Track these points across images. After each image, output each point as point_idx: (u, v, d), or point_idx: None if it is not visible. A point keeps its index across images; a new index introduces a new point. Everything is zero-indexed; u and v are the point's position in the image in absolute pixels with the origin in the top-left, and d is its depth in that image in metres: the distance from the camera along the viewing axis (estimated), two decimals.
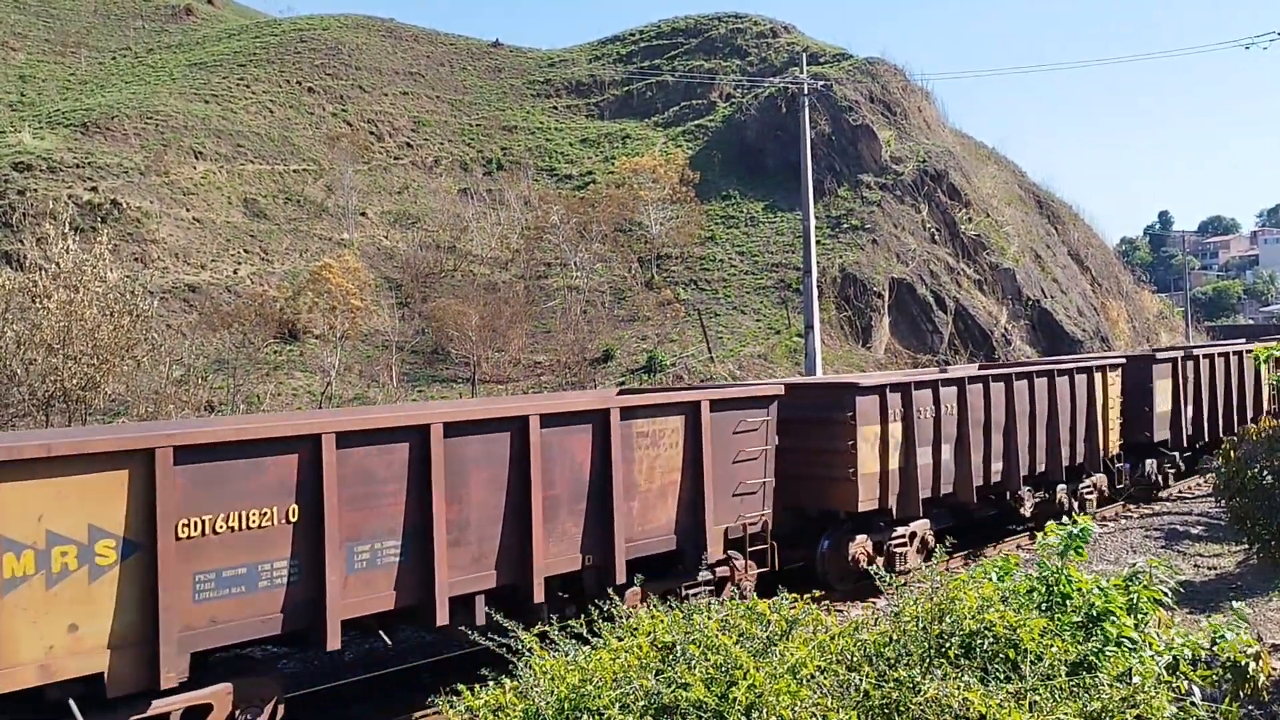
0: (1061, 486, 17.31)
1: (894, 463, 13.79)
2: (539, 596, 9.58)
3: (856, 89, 47.20)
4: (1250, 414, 23.98)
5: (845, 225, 41.80)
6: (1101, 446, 18.35)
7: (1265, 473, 14.39)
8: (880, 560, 13.82)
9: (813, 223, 29.57)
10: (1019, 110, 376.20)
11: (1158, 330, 56.81)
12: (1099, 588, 6.71)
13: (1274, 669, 7.90)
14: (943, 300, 40.32)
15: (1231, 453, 15.15)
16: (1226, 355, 23.45)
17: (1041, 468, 16.77)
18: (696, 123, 50.00)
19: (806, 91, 30.58)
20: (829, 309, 36.96)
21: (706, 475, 11.23)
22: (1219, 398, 22.70)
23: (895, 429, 13.82)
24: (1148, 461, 20.21)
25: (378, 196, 42.23)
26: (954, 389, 14.96)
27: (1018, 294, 42.80)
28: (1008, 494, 16.17)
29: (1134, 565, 7.44)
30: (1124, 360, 19.81)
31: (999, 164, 55.24)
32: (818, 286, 29.98)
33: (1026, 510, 16.43)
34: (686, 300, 37.62)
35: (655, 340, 34.60)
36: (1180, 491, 21.63)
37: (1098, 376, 18.29)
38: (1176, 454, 21.18)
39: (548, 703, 5.34)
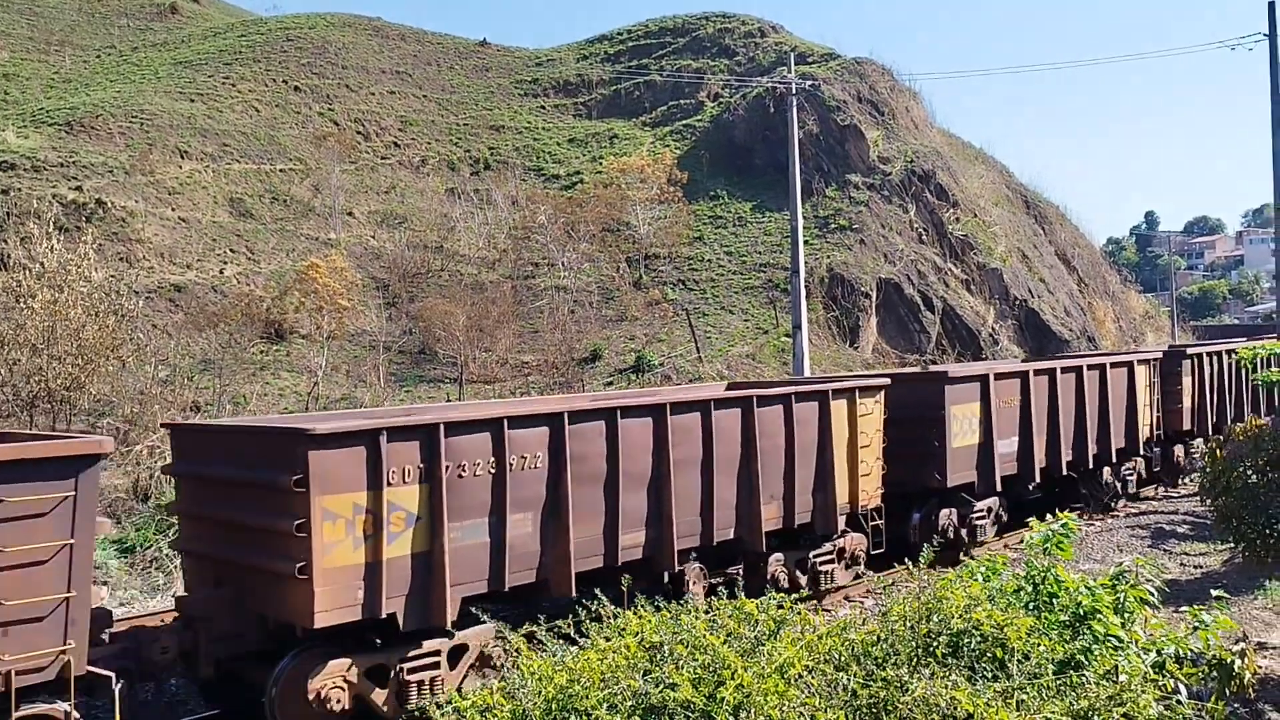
0: (776, 557, 13.17)
1: (401, 548, 9.35)
2: None
3: (844, 89, 47.27)
4: (1121, 444, 19.60)
5: (833, 225, 41.85)
6: (846, 498, 13.93)
7: (1250, 472, 14.47)
8: (386, 695, 9.46)
9: (800, 223, 29.60)
10: (1006, 111, 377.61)
11: (1144, 330, 57.07)
12: (1086, 587, 6.72)
13: (1259, 667, 7.93)
14: (930, 300, 40.41)
15: (1218, 452, 15.22)
16: (1079, 370, 18.68)
17: (728, 533, 12.44)
18: (684, 122, 50.01)
19: (794, 91, 30.60)
20: (816, 309, 37.00)
21: None
22: (1063, 426, 18.04)
23: (405, 496, 9.39)
24: (944, 512, 15.80)
25: (364, 196, 42.11)
26: (542, 430, 10.47)
27: (1005, 294, 42.93)
28: (664, 574, 11.83)
29: (1120, 564, 7.46)
30: (887, 381, 14.97)
31: (986, 164, 55.41)
32: (805, 286, 30.02)
33: (697, 597, 11.83)
34: (675, 300, 37.62)
35: (643, 340, 34.59)
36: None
37: (836, 405, 13.72)
38: (993, 500, 16.68)
39: (535, 703, 5.32)
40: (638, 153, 45.62)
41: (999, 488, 16.69)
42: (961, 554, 15.41)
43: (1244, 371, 24.49)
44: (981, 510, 16.44)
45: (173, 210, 35.60)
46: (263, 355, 30.71)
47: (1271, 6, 29.23)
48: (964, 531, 16.11)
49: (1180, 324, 69.29)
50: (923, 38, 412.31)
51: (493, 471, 10.04)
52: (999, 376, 16.79)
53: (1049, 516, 8.06)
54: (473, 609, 9.22)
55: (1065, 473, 18.43)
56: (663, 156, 44.42)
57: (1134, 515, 19.65)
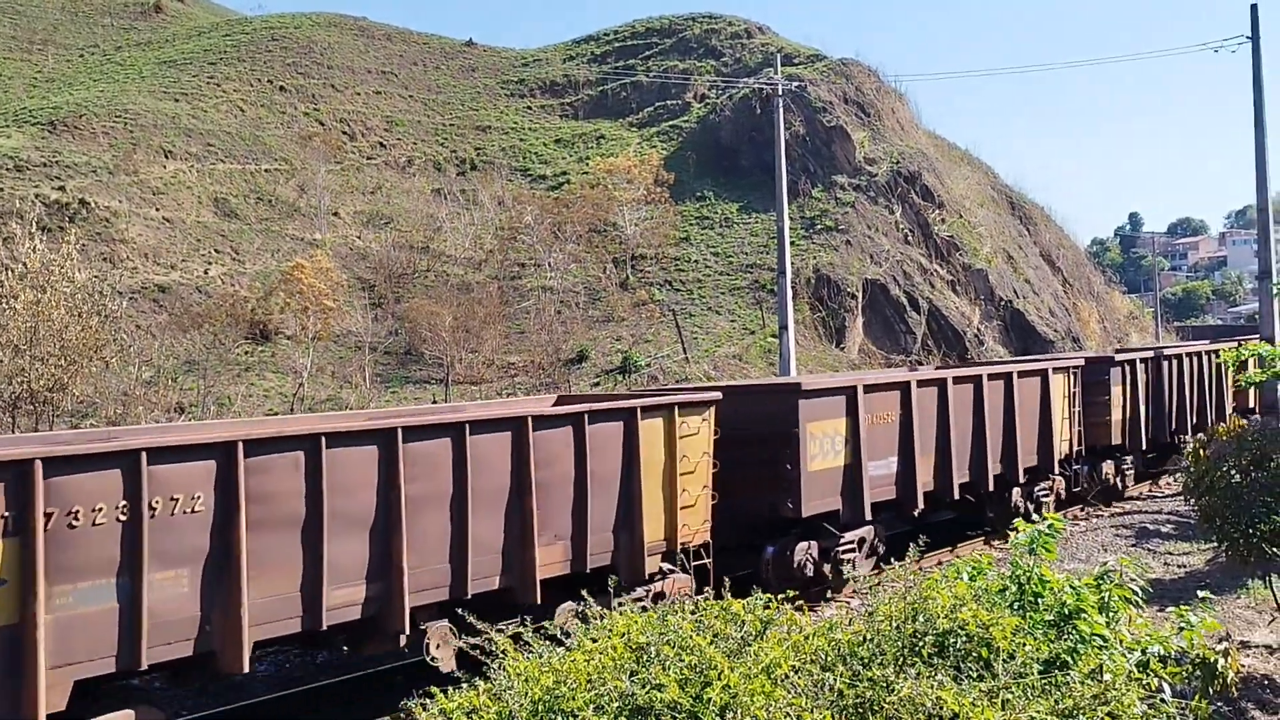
0: (569, 607, 10.28)
1: (23, 608, 7.35)
2: None
3: (831, 90, 47.38)
4: (1032, 462, 17.95)
5: (819, 226, 41.95)
6: (662, 535, 11.77)
7: (1234, 471, 14.53)
8: None
9: (787, 224, 29.64)
10: (992, 112, 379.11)
11: (1129, 331, 57.42)
12: (1071, 586, 6.74)
13: (1242, 665, 7.98)
14: (916, 301, 40.54)
15: (1201, 452, 15.29)
16: (977, 380, 16.97)
17: (491, 583, 10.29)
18: (671, 123, 50.03)
19: (781, 92, 30.66)
20: (803, 310, 37.07)
21: None
22: (956, 444, 16.19)
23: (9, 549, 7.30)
24: (801, 546, 13.64)
25: (350, 196, 41.99)
26: (205, 464, 8.38)
27: (990, 295, 43.10)
28: (398, 636, 9.78)
29: (1105, 564, 7.49)
30: (717, 395, 12.69)
31: (972, 165, 55.63)
32: (792, 287, 30.07)
33: (441, 663, 9.82)
34: (661, 301, 37.63)
35: (630, 341, 34.58)
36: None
37: (649, 424, 11.63)
38: (865, 531, 14.61)
39: (521, 705, 5.31)
40: (624, 153, 45.62)
41: (869, 516, 14.51)
42: (829, 593, 13.54)
43: (1193, 379, 23.97)
44: (850, 542, 14.15)
45: (157, 210, 35.43)
46: (247, 356, 30.59)
47: (1254, 9, 29.44)
48: (827, 567, 13.81)
49: (1164, 325, 69.77)
50: (910, 39, 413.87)
51: (123, 518, 7.82)
52: (870, 389, 14.77)
53: (1019, 531, 8.00)
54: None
55: (958, 496, 16.29)
56: (649, 157, 44.45)
57: (1119, 515, 19.78)
